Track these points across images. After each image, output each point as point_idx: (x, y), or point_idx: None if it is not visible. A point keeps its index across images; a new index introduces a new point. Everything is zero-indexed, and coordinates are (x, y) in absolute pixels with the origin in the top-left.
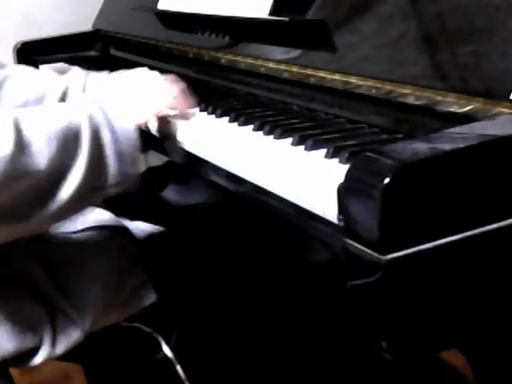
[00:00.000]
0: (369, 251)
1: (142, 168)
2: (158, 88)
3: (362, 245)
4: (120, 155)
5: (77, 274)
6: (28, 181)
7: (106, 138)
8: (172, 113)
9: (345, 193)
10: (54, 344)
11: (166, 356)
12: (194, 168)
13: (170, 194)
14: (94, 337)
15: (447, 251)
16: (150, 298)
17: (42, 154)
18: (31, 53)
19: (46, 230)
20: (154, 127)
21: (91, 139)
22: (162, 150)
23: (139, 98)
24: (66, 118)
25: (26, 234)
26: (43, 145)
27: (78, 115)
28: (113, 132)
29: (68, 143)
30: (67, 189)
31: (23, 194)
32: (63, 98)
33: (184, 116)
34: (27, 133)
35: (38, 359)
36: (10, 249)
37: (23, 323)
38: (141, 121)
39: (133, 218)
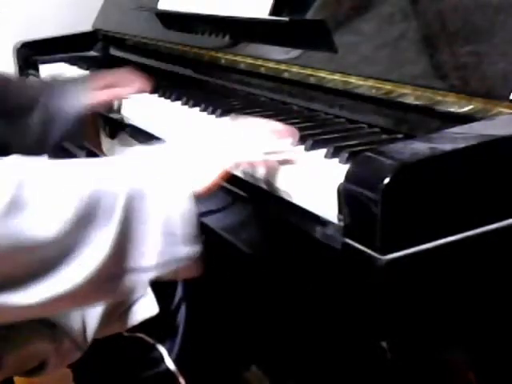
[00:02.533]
0: (369, 251)
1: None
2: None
3: (362, 245)
4: (165, 232)
5: None
6: (25, 252)
7: (148, 208)
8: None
9: (345, 193)
10: (54, 363)
11: (168, 368)
12: None
13: None
14: (95, 346)
15: (447, 251)
16: (152, 309)
17: (47, 223)
18: (31, 53)
19: (65, 311)
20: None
21: (124, 211)
22: None
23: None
24: (96, 181)
25: (34, 315)
26: (51, 212)
27: (115, 181)
28: (158, 202)
29: (91, 212)
30: (82, 267)
31: (23, 265)
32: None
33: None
34: (29, 195)
35: (40, 373)
36: None
37: (26, 345)
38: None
39: None
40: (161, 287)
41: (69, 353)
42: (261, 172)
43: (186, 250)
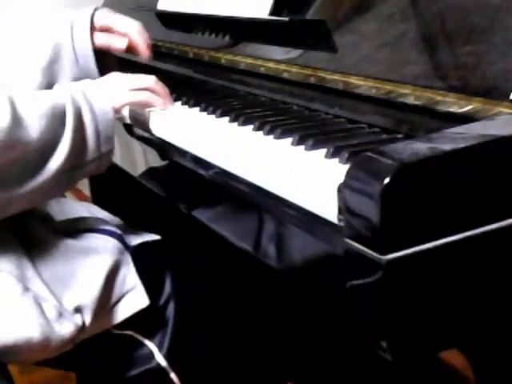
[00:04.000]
0: (369, 251)
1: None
2: (134, 76)
3: (362, 245)
4: (97, 134)
5: (67, 277)
6: (20, 151)
7: (87, 117)
8: (144, 99)
9: (345, 193)
10: (47, 339)
11: (158, 363)
12: (193, 167)
13: (169, 194)
14: (85, 345)
15: (447, 251)
16: (142, 302)
17: (33, 129)
18: None
19: (32, 206)
20: (127, 113)
21: (74, 118)
22: (160, 148)
23: (116, 82)
24: (52, 98)
25: (14, 207)
26: (35, 120)
27: (62, 96)
28: (92, 112)
29: (55, 121)
30: (54, 163)
31: (14, 163)
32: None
33: (160, 103)
34: (21, 108)
35: (34, 355)
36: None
37: (13, 319)
38: (117, 104)
39: (131, 219)
40: (148, 282)
41: (58, 325)
42: (261, 171)
43: (109, 147)
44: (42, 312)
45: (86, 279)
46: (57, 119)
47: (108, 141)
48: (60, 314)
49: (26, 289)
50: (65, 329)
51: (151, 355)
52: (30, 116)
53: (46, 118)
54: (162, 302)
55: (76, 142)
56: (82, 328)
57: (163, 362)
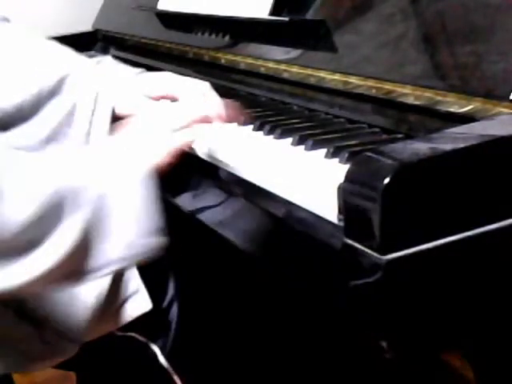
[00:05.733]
0: (369, 251)
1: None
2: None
3: (362, 245)
4: (131, 226)
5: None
6: None
7: (112, 204)
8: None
9: (345, 193)
10: (46, 358)
11: (161, 366)
12: (193, 168)
13: (170, 194)
14: (88, 346)
15: (447, 251)
16: (145, 305)
17: (14, 215)
18: None
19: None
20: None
21: (91, 208)
22: None
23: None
24: (64, 176)
25: None
26: (19, 204)
27: (78, 178)
28: (121, 196)
29: (58, 209)
30: (40, 261)
31: None
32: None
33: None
34: (7, 184)
35: (34, 369)
36: None
37: (11, 341)
38: (158, 160)
39: None
40: (152, 285)
41: (57, 344)
42: (261, 171)
43: (151, 240)
44: (42, 338)
45: (90, 288)
46: (61, 207)
47: (154, 231)
48: (61, 337)
49: (25, 316)
50: (67, 353)
51: (154, 357)
52: (17, 195)
53: (41, 203)
54: (165, 304)
55: (86, 240)
56: (84, 344)
57: (166, 364)
